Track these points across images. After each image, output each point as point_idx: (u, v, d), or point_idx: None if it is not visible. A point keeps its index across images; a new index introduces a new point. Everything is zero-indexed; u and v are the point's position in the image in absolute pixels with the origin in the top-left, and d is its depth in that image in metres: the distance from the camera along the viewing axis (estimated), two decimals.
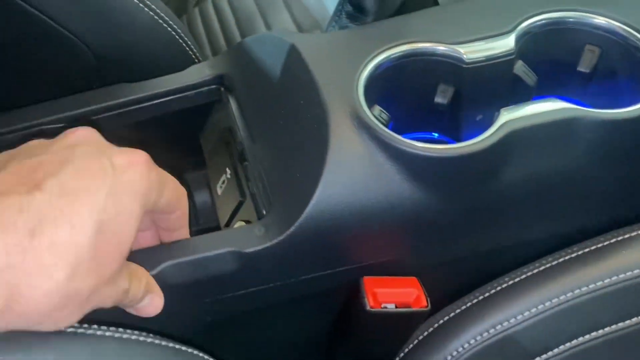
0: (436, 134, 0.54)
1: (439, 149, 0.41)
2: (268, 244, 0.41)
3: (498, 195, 0.44)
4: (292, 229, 0.41)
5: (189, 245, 0.41)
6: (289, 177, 0.44)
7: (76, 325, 0.31)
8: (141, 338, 0.32)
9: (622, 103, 0.50)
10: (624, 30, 0.49)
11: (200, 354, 0.37)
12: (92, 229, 0.29)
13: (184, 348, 0.36)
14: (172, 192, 0.36)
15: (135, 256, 0.39)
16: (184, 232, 0.41)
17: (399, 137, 0.42)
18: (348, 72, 0.46)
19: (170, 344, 0.34)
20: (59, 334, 0.30)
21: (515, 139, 0.42)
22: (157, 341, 0.34)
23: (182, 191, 0.38)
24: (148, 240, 0.40)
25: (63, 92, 0.54)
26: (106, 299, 0.31)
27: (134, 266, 0.36)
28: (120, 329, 0.32)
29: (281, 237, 0.41)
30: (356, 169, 0.41)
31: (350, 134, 0.42)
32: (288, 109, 0.47)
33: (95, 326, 0.32)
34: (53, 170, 0.29)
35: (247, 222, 0.48)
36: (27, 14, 0.53)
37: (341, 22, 0.53)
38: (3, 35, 0.55)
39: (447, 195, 0.43)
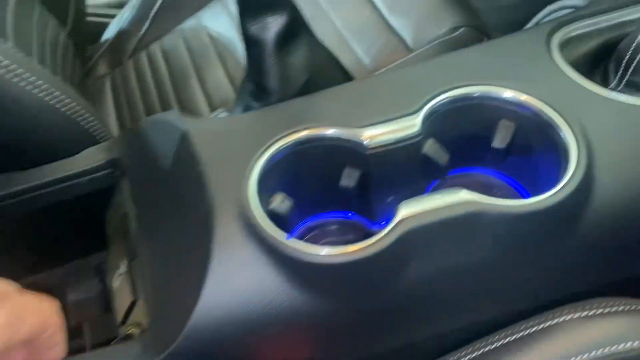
0: (350, 213, 0.51)
1: (326, 255, 0.38)
2: None
3: (400, 294, 0.41)
4: (171, 347, 0.37)
5: None
6: (173, 284, 0.40)
7: None
8: None
9: (544, 177, 0.47)
10: (535, 105, 0.47)
11: None
12: None
13: None
14: (34, 319, 0.32)
15: None
16: (58, 350, 0.37)
17: (286, 241, 0.39)
18: (241, 164, 0.42)
19: None
20: None
21: (414, 237, 0.39)
22: None
23: (49, 312, 0.34)
24: None
25: None
26: None
27: None
28: None
29: (159, 358, 0.37)
30: (242, 278, 0.38)
31: (236, 238, 0.39)
32: (177, 204, 0.43)
33: None
34: None
35: (139, 325, 0.44)
36: None
37: (245, 101, 0.50)
38: None
39: (341, 301, 0.39)
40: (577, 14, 0.56)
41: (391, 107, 0.46)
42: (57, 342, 0.36)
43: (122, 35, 1.01)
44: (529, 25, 0.68)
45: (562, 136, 0.45)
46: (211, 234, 0.39)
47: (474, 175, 0.52)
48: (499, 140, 0.48)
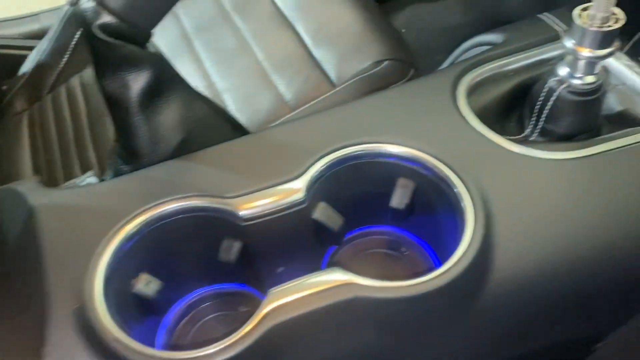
0: (240, 284, 0.46)
1: (182, 357, 0.33)
2: None
3: None
4: None
5: None
6: None
7: None
8: None
9: (446, 235, 0.43)
10: (433, 164, 0.42)
11: None
12: None
13: None
14: None
15: None
16: None
17: (129, 343, 0.33)
18: (90, 247, 0.37)
19: None
20: None
21: (281, 331, 0.34)
22: None
23: None
24: None
25: None
26: None
27: None
28: None
29: None
30: None
31: (72, 344, 0.33)
32: (16, 294, 0.38)
33: None
34: None
35: None
36: None
37: (115, 164, 0.44)
38: None
39: None
40: (490, 54, 0.52)
41: (273, 171, 0.41)
42: None
43: (41, 69, 0.95)
44: (446, 63, 0.64)
45: (458, 198, 0.40)
46: (43, 337, 0.33)
47: (375, 232, 0.47)
48: (397, 200, 0.44)
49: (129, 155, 0.43)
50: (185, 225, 0.40)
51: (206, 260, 0.42)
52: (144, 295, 0.39)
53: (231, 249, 0.41)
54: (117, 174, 0.44)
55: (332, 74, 0.74)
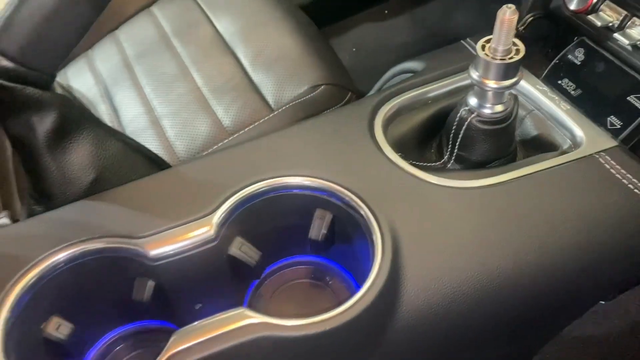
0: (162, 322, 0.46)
1: None
2: None
3: None
4: None
5: None
6: None
7: None
8: None
9: (364, 264, 0.43)
10: (347, 197, 0.43)
11: None
12: None
13: None
14: None
15: None
16: None
17: None
18: None
19: None
20: None
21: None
22: None
23: None
24: None
25: None
26: None
27: None
28: None
29: None
30: None
31: None
32: None
33: None
34: None
35: None
36: None
37: (27, 206, 0.44)
38: None
39: None
40: (410, 82, 0.53)
41: (184, 209, 0.41)
42: None
43: None
44: (373, 91, 0.65)
45: (370, 229, 0.41)
46: None
47: (301, 263, 0.48)
48: (315, 232, 0.44)
49: (40, 196, 0.42)
50: (95, 266, 0.40)
51: (121, 300, 0.42)
52: (56, 339, 0.39)
53: (144, 289, 0.41)
54: (31, 214, 0.44)
55: (270, 99, 0.74)
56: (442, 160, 0.50)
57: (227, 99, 0.76)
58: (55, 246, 0.39)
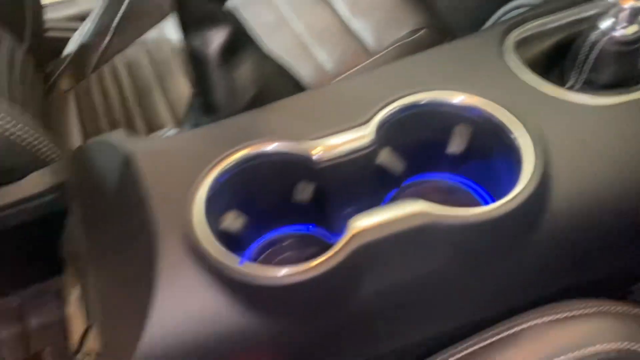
0: (310, 226, 0.50)
1: (276, 277, 0.37)
2: None
3: (357, 311, 0.40)
4: None
5: None
6: (120, 310, 0.39)
7: None
8: None
9: (502, 179, 0.47)
10: (490, 109, 0.46)
11: None
12: None
13: None
14: None
15: None
16: None
17: (234, 264, 0.37)
18: (186, 185, 0.41)
19: None
20: None
21: (365, 252, 0.38)
22: None
23: None
24: None
25: None
26: None
27: None
28: None
29: None
30: (190, 305, 0.37)
31: (182, 263, 0.38)
32: (124, 229, 0.42)
33: None
34: None
35: (92, 354, 0.43)
36: None
37: (194, 117, 0.48)
38: None
39: (296, 321, 0.38)
40: (532, 13, 0.55)
41: (341, 118, 0.45)
42: None
43: (84, 49, 0.99)
44: (486, 25, 0.68)
45: (516, 140, 0.44)
46: (155, 260, 0.38)
47: (433, 181, 0.51)
48: (455, 146, 0.48)
49: (207, 108, 0.47)
50: (264, 168, 0.44)
51: (282, 201, 0.46)
52: (230, 232, 0.43)
53: (305, 190, 0.45)
54: (195, 126, 0.48)
55: (370, 44, 0.77)
56: (567, 86, 0.53)
57: (328, 45, 0.79)
58: (232, 147, 0.43)
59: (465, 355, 0.45)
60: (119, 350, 0.37)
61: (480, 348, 0.45)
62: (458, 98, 0.46)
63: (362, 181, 0.46)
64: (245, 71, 0.46)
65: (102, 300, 0.41)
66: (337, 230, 0.49)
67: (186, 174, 0.42)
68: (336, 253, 0.38)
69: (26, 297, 0.59)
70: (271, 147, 0.43)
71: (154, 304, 0.36)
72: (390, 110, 0.45)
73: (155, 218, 0.39)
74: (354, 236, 0.38)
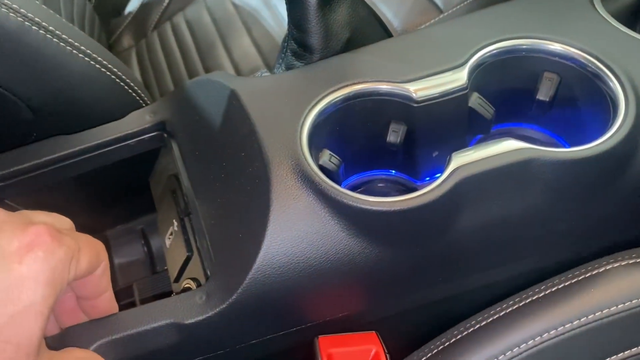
0: (393, 171, 0.52)
1: (385, 202, 0.39)
2: (210, 313, 0.38)
3: (453, 243, 0.41)
4: (235, 295, 0.38)
5: (124, 319, 0.38)
6: (231, 236, 0.41)
7: None
8: None
9: (588, 130, 0.48)
10: (581, 56, 0.46)
11: None
12: None
13: None
14: (89, 252, 0.33)
15: (66, 336, 0.36)
16: (108, 296, 0.37)
17: (344, 190, 0.39)
18: (291, 120, 0.43)
19: None
20: None
21: (468, 185, 0.40)
22: None
23: (100, 247, 0.35)
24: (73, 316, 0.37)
25: (2, 148, 0.51)
26: None
27: (77, 353, 0.33)
28: None
29: (224, 305, 0.38)
30: (301, 227, 0.39)
31: (293, 189, 0.40)
32: (229, 161, 0.44)
33: None
34: None
35: (195, 279, 0.45)
36: None
37: (287, 60, 0.50)
38: None
39: (398, 248, 0.40)
40: None
41: (436, 61, 0.46)
42: (106, 286, 0.36)
43: (146, 7, 1.01)
44: None
45: (609, 86, 0.45)
46: (268, 186, 0.40)
47: (519, 130, 0.52)
48: (543, 93, 0.48)
49: (303, 50, 0.48)
50: (362, 108, 0.46)
51: (372, 144, 0.48)
52: (326, 169, 0.45)
53: (398, 132, 0.47)
54: (289, 69, 0.50)
55: (439, 1, 0.77)
56: None
57: (394, 3, 0.80)
58: (331, 87, 0.45)
59: (547, 294, 0.47)
60: (232, 272, 0.40)
61: (560, 289, 0.47)
62: (553, 45, 0.47)
63: (453, 124, 0.47)
64: (341, 14, 0.47)
65: (210, 228, 0.43)
66: (420, 175, 0.51)
67: (289, 109, 0.44)
68: (440, 184, 0.39)
69: (113, 235, 0.62)
70: (371, 86, 0.45)
71: (268, 227, 0.39)
72: (486, 53, 0.46)
73: (265, 149, 0.41)
74: (457, 169, 0.40)
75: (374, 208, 0.38)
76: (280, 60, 0.50)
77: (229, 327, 0.39)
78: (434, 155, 0.49)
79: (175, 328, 0.38)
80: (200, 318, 0.38)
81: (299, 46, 0.49)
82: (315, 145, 0.44)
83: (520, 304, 0.47)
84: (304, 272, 0.39)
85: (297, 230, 0.39)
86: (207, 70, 0.89)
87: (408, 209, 0.38)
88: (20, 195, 0.52)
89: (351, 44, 0.49)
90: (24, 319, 0.28)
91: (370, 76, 0.46)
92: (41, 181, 0.50)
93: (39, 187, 0.51)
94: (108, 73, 0.53)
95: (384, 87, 0.45)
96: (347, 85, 0.45)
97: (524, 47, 0.47)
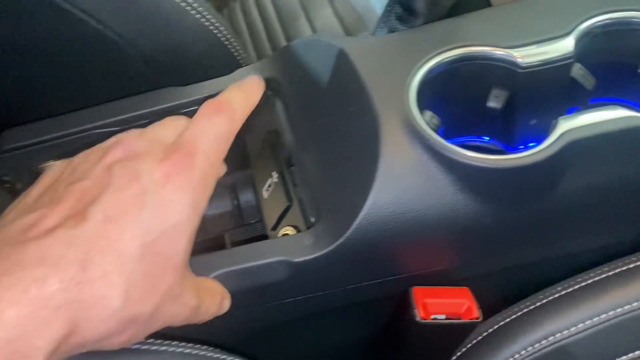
0: (487, 138, 0.53)
1: (494, 160, 0.40)
2: (317, 254, 0.41)
3: (554, 205, 0.42)
4: (341, 239, 0.40)
5: (241, 253, 0.41)
6: (338, 185, 0.43)
7: None
8: (199, 352, 0.33)
9: None
10: None
11: None
12: (137, 253, 0.29)
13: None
14: (217, 157, 0.36)
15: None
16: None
17: (454, 146, 0.41)
18: (399, 77, 0.45)
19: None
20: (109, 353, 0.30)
21: (574, 149, 0.40)
22: (210, 354, 0.34)
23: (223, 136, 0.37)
24: None
25: (113, 97, 0.54)
26: (174, 318, 0.31)
27: (209, 282, 0.36)
28: (174, 343, 0.33)
29: (331, 247, 0.41)
30: (408, 179, 0.41)
31: (402, 142, 0.41)
32: (336, 116, 0.46)
33: (150, 340, 0.32)
34: (94, 197, 0.30)
35: (294, 227, 0.48)
36: (76, 18, 0.53)
37: (390, 24, 0.51)
38: (53, 41, 0.56)
39: (502, 206, 0.42)
40: None
41: (542, 29, 0.47)
42: None
43: None
44: None
45: None
46: (377, 139, 0.41)
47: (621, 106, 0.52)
48: None
49: (408, 14, 0.50)
50: (466, 72, 0.47)
51: (471, 108, 0.49)
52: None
53: (500, 97, 0.48)
54: (391, 32, 0.52)
55: None
56: None
57: None
58: (439, 49, 0.46)
59: (638, 266, 0.48)
60: (338, 218, 0.42)
61: None
62: None
63: (554, 93, 0.48)
64: None
65: (315, 178, 0.46)
66: (514, 144, 0.52)
67: (397, 68, 0.45)
68: (549, 146, 0.40)
69: None
70: (478, 50, 0.46)
71: (376, 177, 0.41)
72: (594, 23, 0.47)
73: (375, 104, 0.43)
74: (566, 132, 0.41)
75: (483, 165, 0.40)
76: (383, 24, 0.52)
77: (332, 269, 0.42)
78: (531, 123, 0.50)
79: (285, 265, 0.41)
80: (309, 257, 0.41)
81: (404, 10, 0.50)
82: (420, 104, 0.46)
83: (609, 274, 0.48)
84: (407, 223, 0.41)
85: (405, 181, 0.41)
86: (289, 39, 0.91)
87: (516, 167, 0.40)
88: None
89: (454, 11, 0.50)
90: (172, 235, 0.31)
91: (476, 40, 0.47)
92: None
93: None
94: (216, 32, 0.56)
95: (490, 51, 0.46)
96: (454, 48, 0.46)
97: (635, 19, 0.47)
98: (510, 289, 0.50)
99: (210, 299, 0.35)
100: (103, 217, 0.29)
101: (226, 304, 0.37)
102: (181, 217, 0.31)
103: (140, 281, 0.29)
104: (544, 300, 0.48)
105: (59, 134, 0.51)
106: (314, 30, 0.91)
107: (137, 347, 0.31)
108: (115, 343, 0.29)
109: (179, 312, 0.32)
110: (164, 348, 0.32)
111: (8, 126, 0.51)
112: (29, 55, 0.57)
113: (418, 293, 0.43)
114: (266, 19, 0.96)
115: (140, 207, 0.30)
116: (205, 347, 0.35)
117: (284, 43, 0.92)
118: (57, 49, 0.55)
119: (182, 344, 0.34)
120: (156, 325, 0.30)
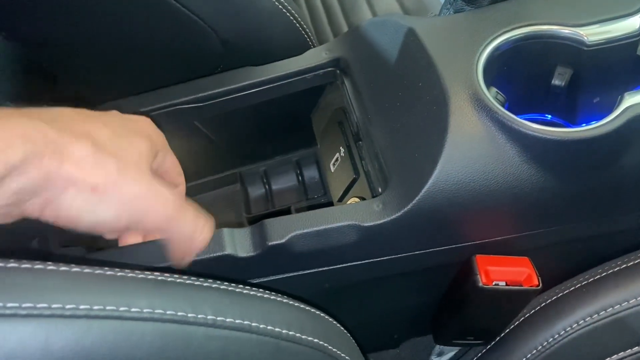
0: (549, 116, 0.54)
1: (561, 132, 0.42)
2: (386, 219, 0.44)
3: (617, 179, 0.44)
4: (409, 206, 0.43)
5: (314, 217, 0.44)
6: (406, 156, 0.46)
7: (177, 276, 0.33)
8: (257, 294, 0.36)
9: None
10: None
11: (321, 314, 0.41)
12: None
13: (307, 307, 0.40)
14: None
15: (266, 226, 0.43)
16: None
17: (520, 119, 0.43)
18: (467, 54, 0.47)
19: (294, 303, 0.38)
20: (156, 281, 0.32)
21: (637, 123, 0.42)
22: (277, 298, 0.37)
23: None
24: None
25: (191, 76, 0.58)
26: (148, 203, 0.35)
27: (194, 205, 0.39)
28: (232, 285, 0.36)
29: (399, 214, 0.43)
30: (475, 150, 0.43)
31: (469, 115, 0.44)
32: (405, 91, 0.49)
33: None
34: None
35: (361, 198, 0.51)
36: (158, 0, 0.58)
37: (456, 5, 0.53)
38: (136, 22, 0.61)
39: (566, 178, 0.43)
40: None
41: (607, 7, 0.48)
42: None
43: None
44: None
45: None
46: (447, 112, 0.44)
47: None
48: None
49: None
50: (532, 49, 0.48)
51: (534, 87, 0.51)
52: None
53: (564, 75, 0.49)
54: (458, 12, 0.53)
55: None
56: None
57: None
58: (506, 27, 0.48)
59: None
60: (407, 185, 0.44)
61: None
62: None
63: (619, 71, 0.49)
64: None
65: (384, 150, 0.48)
66: (577, 121, 0.53)
67: (465, 45, 0.47)
68: (613, 120, 0.42)
69: (271, 165, 0.70)
70: (545, 28, 0.47)
71: (444, 147, 0.43)
72: None
73: (443, 79, 0.45)
74: (630, 107, 0.42)
75: (549, 137, 0.42)
76: (449, 5, 0.54)
77: (400, 235, 0.45)
78: (594, 101, 0.51)
79: (355, 229, 0.44)
80: (378, 222, 0.44)
81: None
82: (486, 81, 0.48)
83: None
84: (473, 192, 0.43)
85: (473, 151, 0.43)
86: (350, 25, 0.94)
87: (580, 139, 0.41)
88: (204, 118, 0.60)
89: None
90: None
91: (542, 19, 0.48)
92: (227, 106, 0.58)
93: (223, 112, 0.59)
94: (288, 14, 0.59)
95: (557, 29, 0.47)
96: (521, 26, 0.48)
97: None
98: (570, 262, 0.51)
99: (193, 216, 0.37)
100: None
101: (207, 231, 0.38)
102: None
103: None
104: (603, 274, 0.50)
105: (147, 108, 0.56)
106: (374, 14, 0.94)
107: (225, 288, 0.34)
108: (89, 181, 0.32)
109: (153, 200, 0.35)
110: (239, 290, 0.35)
111: (104, 102, 0.56)
112: (116, 37, 0.62)
113: (481, 261, 0.46)
114: (327, 3, 0.99)
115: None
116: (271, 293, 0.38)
117: (345, 28, 0.95)
118: (137, 30, 0.60)
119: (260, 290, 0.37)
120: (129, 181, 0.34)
